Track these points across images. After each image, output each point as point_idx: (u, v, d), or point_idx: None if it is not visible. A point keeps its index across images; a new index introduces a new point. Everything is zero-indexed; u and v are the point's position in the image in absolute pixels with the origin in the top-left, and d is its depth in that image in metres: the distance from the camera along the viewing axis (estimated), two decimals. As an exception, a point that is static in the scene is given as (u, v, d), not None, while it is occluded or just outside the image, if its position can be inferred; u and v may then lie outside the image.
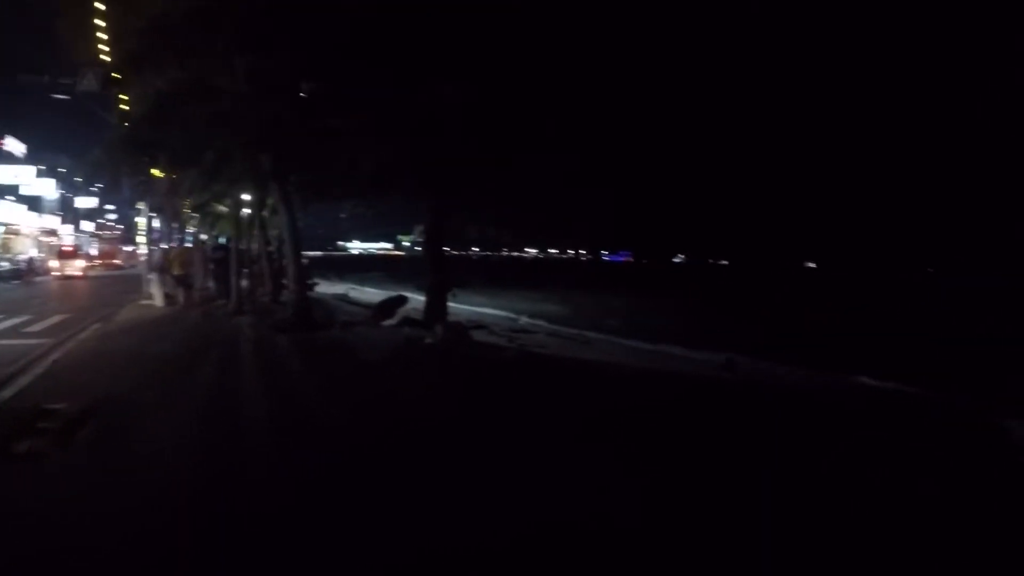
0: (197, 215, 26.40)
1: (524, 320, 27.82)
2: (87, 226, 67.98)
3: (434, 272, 15.82)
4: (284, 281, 24.84)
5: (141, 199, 31.92)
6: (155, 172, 20.23)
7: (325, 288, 32.85)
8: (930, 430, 8.08)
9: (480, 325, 19.74)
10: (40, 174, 52.57)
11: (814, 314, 33.96)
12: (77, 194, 62.62)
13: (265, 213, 22.01)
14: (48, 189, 52.13)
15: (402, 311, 17.96)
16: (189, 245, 26.99)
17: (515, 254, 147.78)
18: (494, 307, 32.43)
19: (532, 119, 13.16)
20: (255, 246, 23.73)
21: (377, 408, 8.21)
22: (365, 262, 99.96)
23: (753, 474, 5.73)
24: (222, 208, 22.63)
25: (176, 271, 21.79)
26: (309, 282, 27.75)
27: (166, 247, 25.39)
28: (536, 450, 6.32)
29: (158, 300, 21.29)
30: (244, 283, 21.74)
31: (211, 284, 22.86)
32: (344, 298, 26.06)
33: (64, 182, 59.31)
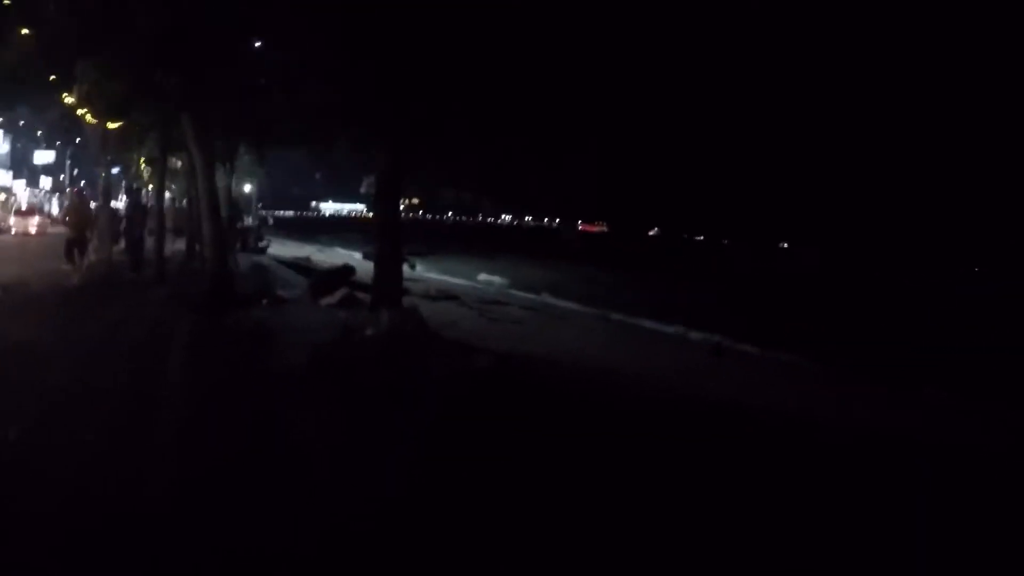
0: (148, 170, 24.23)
1: (497, 287, 27.04)
2: (46, 183, 65.44)
3: (383, 237, 11.54)
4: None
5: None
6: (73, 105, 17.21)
7: (288, 250, 31.71)
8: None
9: (451, 295, 18.88)
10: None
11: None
12: (37, 148, 60.07)
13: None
14: (-6, 143, 49.46)
15: (345, 288, 14.29)
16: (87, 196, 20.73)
17: (490, 220, 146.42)
18: (470, 276, 31.64)
19: (521, 61, 10.82)
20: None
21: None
22: (339, 223, 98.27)
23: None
24: (178, 162, 21.23)
25: (70, 232, 16.11)
26: (261, 244, 26.53)
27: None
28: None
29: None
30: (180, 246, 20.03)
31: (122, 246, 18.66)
32: (305, 262, 24.27)
33: (24, 136, 56.83)
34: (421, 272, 30.07)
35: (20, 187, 56.70)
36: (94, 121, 16.76)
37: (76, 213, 16.54)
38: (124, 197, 22.88)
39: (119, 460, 5.06)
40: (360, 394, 7.07)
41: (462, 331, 12.46)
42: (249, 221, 43.14)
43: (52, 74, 14.00)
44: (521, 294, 23.95)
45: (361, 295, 13.75)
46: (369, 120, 11.14)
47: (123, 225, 19.57)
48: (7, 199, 52.77)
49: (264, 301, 13.00)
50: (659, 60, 11.89)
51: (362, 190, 12.95)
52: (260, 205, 71.65)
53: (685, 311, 20.86)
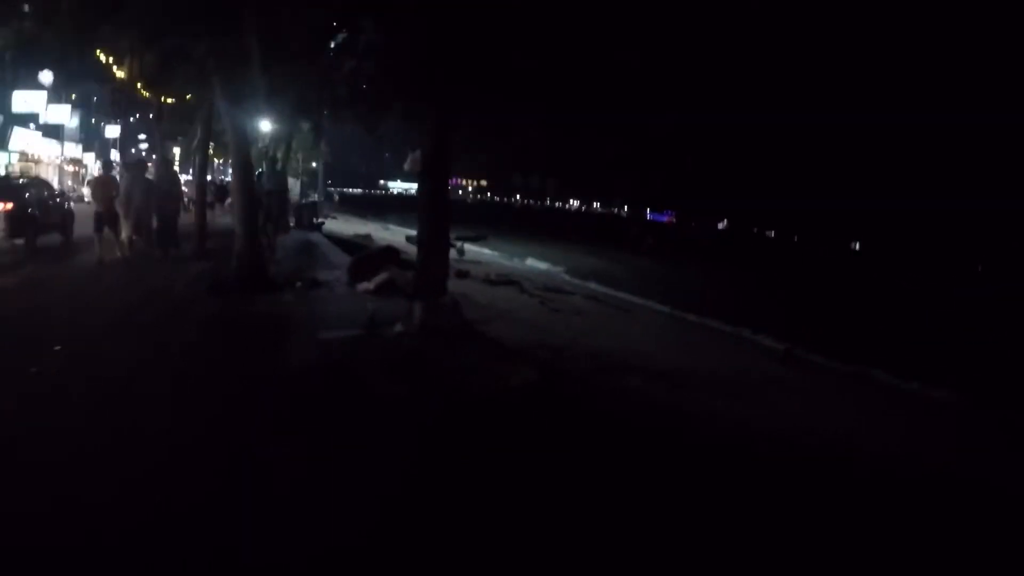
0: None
1: (563, 275, 26.36)
2: (115, 156, 67.81)
3: (428, 219, 10.01)
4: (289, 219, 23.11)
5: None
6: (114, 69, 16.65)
7: (350, 227, 31.54)
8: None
9: (512, 281, 18.25)
10: (67, 102, 51.06)
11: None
12: (107, 122, 61.63)
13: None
14: (62, 116, 50.50)
15: (385, 273, 12.63)
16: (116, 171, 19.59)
17: (558, 204, 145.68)
18: (535, 258, 31.03)
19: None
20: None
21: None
22: (406, 202, 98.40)
23: None
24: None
25: (99, 206, 15.43)
26: (317, 221, 26.19)
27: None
28: None
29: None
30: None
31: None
32: (364, 240, 23.81)
33: (96, 110, 58.25)
34: (486, 252, 29.72)
35: (90, 159, 58.29)
36: (146, 95, 16.60)
37: (102, 187, 15.90)
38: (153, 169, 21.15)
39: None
40: (358, 416, 5.77)
41: (517, 321, 11.83)
42: (315, 197, 43.38)
43: (78, 42, 13.16)
44: (585, 284, 23.20)
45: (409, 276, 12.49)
46: (410, 86, 10.23)
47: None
48: (78, 170, 54.18)
49: (298, 284, 12.15)
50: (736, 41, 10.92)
51: (406, 167, 11.47)
52: (329, 182, 72.48)
53: (750, 311, 19.97)
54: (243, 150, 12.85)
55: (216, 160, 50.45)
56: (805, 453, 6.18)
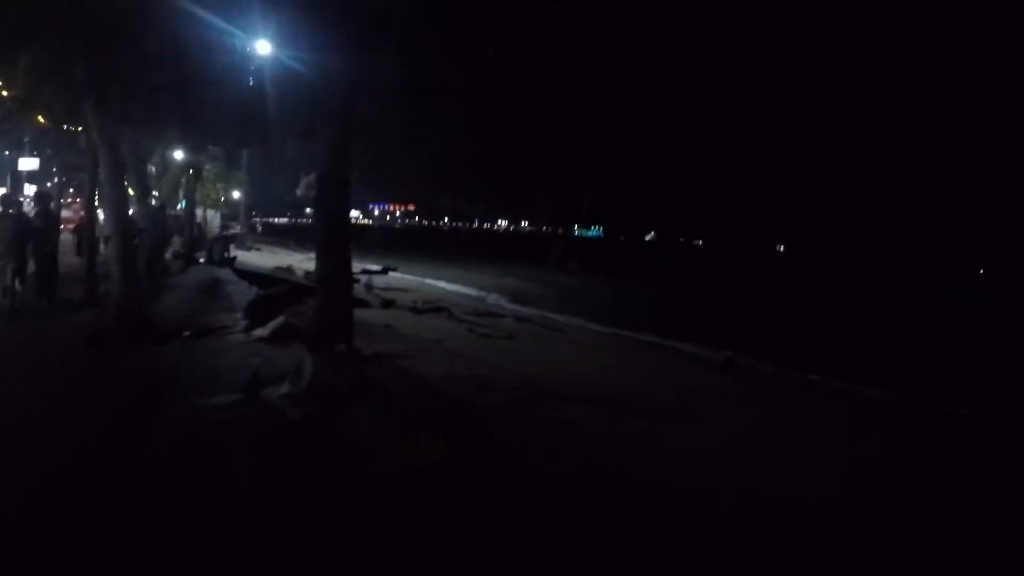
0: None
1: (492, 299, 25.80)
2: (30, 190, 64.51)
3: (327, 251, 8.50)
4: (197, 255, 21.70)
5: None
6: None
7: (274, 259, 30.33)
8: None
9: (440, 308, 17.50)
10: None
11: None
12: (20, 155, 58.63)
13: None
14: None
15: (281, 317, 10.61)
16: None
17: (487, 226, 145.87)
18: (462, 283, 30.40)
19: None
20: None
21: None
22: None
23: None
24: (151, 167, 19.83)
25: None
26: (229, 255, 24.69)
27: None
28: None
29: None
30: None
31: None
32: (284, 273, 21.82)
33: (9, 141, 55.36)
34: (412, 279, 28.91)
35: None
36: (41, 121, 15.05)
37: None
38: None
39: None
40: (206, 519, 4.41)
41: (444, 352, 11.06)
42: (236, 228, 41.76)
43: None
44: (514, 307, 22.66)
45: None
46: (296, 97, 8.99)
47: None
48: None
49: (186, 333, 10.32)
50: (659, 57, 10.29)
51: (298, 192, 10.18)
52: (253, 213, 70.45)
53: (682, 322, 19.79)
54: (118, 181, 11.10)
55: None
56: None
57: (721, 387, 10.81)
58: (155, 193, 24.26)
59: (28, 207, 17.50)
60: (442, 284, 29.18)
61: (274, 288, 14.57)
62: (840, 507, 5.40)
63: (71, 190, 48.71)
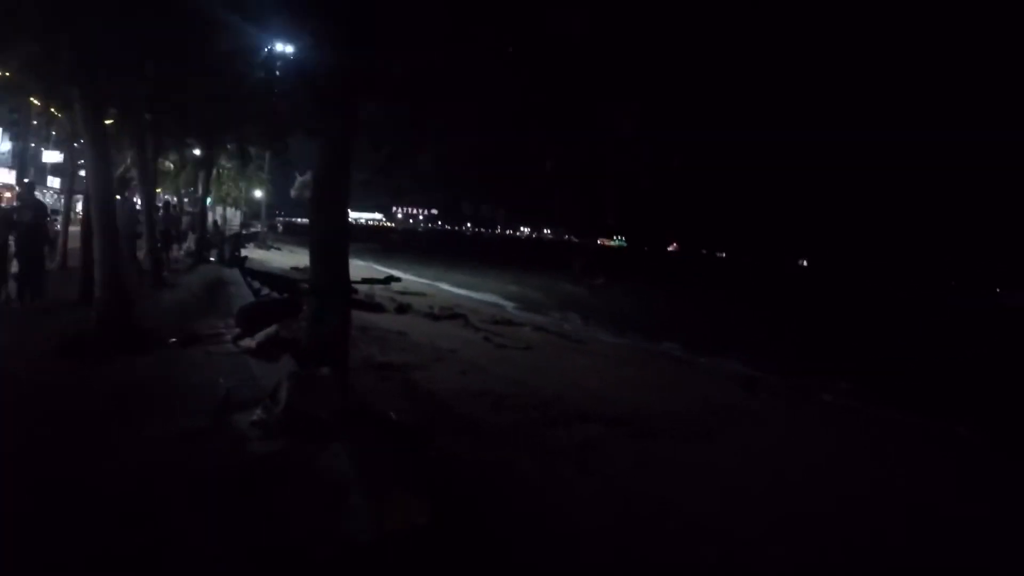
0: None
1: (510, 307, 25.36)
2: (54, 182, 65.10)
3: (323, 259, 7.72)
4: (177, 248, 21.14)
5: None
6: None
7: (293, 259, 29.99)
8: None
9: (457, 314, 17.09)
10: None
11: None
12: (45, 148, 59.10)
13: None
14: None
15: (273, 327, 9.61)
16: None
17: (509, 232, 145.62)
18: (481, 289, 30.04)
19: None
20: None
21: None
22: (355, 232, 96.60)
23: None
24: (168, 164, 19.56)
25: None
26: (238, 255, 24.16)
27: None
28: None
29: None
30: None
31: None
32: (298, 274, 20.87)
33: (35, 134, 55.88)
34: (429, 283, 28.51)
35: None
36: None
37: None
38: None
39: None
40: None
41: (458, 363, 10.62)
42: (257, 227, 41.61)
43: None
44: (532, 315, 22.22)
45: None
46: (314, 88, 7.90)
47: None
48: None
49: (172, 340, 9.44)
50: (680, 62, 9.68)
51: (292, 193, 9.39)
52: (278, 212, 70.28)
53: (705, 334, 19.34)
54: (102, 175, 9.84)
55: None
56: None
57: (748, 406, 10.33)
58: (159, 191, 24.04)
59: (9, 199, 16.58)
60: (460, 290, 28.84)
61: (281, 291, 13.96)
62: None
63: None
